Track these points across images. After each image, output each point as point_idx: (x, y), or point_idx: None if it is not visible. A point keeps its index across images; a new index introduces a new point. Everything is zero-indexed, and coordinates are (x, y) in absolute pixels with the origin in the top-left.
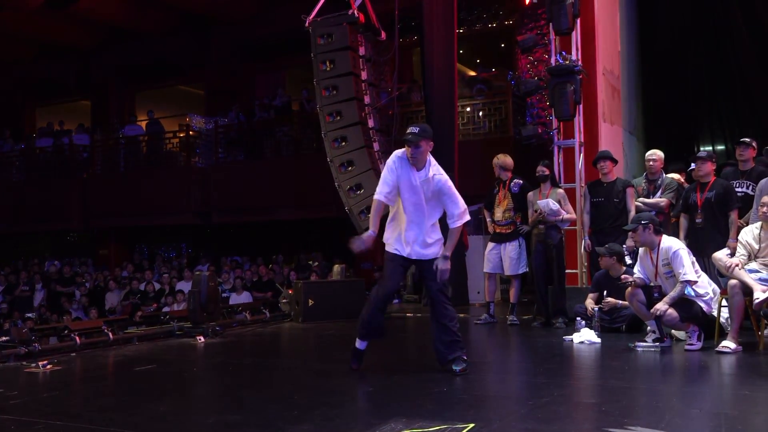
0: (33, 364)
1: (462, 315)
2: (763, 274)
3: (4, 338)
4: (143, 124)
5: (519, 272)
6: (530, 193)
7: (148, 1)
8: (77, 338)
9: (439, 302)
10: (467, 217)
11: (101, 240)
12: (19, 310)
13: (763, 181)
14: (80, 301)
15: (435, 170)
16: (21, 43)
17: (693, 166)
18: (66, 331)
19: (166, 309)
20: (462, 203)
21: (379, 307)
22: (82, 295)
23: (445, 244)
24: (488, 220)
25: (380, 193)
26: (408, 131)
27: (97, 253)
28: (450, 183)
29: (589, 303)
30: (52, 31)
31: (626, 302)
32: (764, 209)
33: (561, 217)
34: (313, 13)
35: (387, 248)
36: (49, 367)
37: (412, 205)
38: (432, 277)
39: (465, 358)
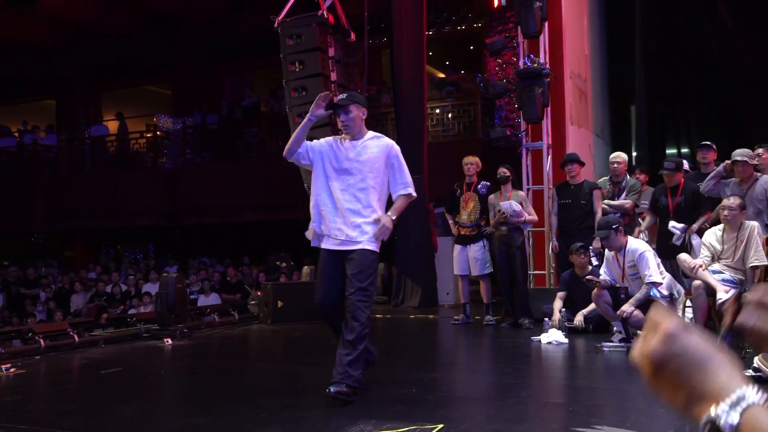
0: None
1: (432, 316)
2: (726, 275)
3: None
4: (110, 125)
5: (485, 272)
6: (491, 196)
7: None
8: (41, 341)
9: (354, 305)
10: (412, 191)
11: (66, 241)
12: None
13: (731, 181)
14: (45, 304)
15: (376, 135)
16: None
17: (663, 172)
18: (30, 334)
19: (132, 311)
20: (409, 175)
21: (329, 326)
22: (47, 298)
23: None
24: (451, 222)
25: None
26: (338, 98)
27: (63, 255)
28: (398, 150)
29: (557, 305)
30: (14, 29)
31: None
32: (725, 212)
33: (523, 218)
34: (282, 14)
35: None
36: (12, 370)
37: (339, 185)
38: (354, 271)
39: (352, 384)
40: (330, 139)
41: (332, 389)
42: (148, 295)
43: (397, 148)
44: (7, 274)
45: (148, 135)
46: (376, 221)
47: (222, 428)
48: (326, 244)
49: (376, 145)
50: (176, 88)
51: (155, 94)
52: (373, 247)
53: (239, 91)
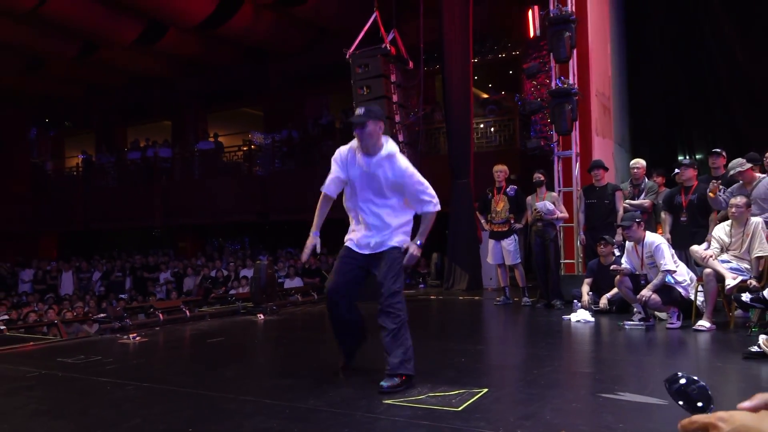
0: (125, 336)
1: (477, 298)
2: (734, 264)
3: (102, 315)
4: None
5: (516, 262)
6: (529, 197)
7: (217, 38)
8: (161, 315)
9: (385, 309)
10: (436, 205)
11: (179, 235)
12: (114, 292)
13: (733, 186)
14: (163, 285)
15: (392, 150)
16: (114, 74)
17: (677, 171)
18: (151, 310)
19: (232, 292)
20: (430, 189)
21: (330, 312)
22: (165, 280)
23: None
24: (483, 220)
25: (326, 186)
26: (355, 113)
27: (177, 246)
28: (411, 168)
29: (585, 289)
30: (139, 64)
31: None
32: (733, 210)
33: (556, 215)
34: (353, 47)
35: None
36: (137, 339)
37: (366, 199)
38: (382, 273)
39: (401, 373)
40: (348, 148)
41: (384, 385)
42: (244, 279)
43: (405, 163)
44: (134, 261)
45: (244, 148)
46: (400, 242)
47: (304, 388)
48: (351, 244)
49: (389, 163)
50: (266, 110)
51: (250, 115)
52: (397, 243)
53: (318, 111)
